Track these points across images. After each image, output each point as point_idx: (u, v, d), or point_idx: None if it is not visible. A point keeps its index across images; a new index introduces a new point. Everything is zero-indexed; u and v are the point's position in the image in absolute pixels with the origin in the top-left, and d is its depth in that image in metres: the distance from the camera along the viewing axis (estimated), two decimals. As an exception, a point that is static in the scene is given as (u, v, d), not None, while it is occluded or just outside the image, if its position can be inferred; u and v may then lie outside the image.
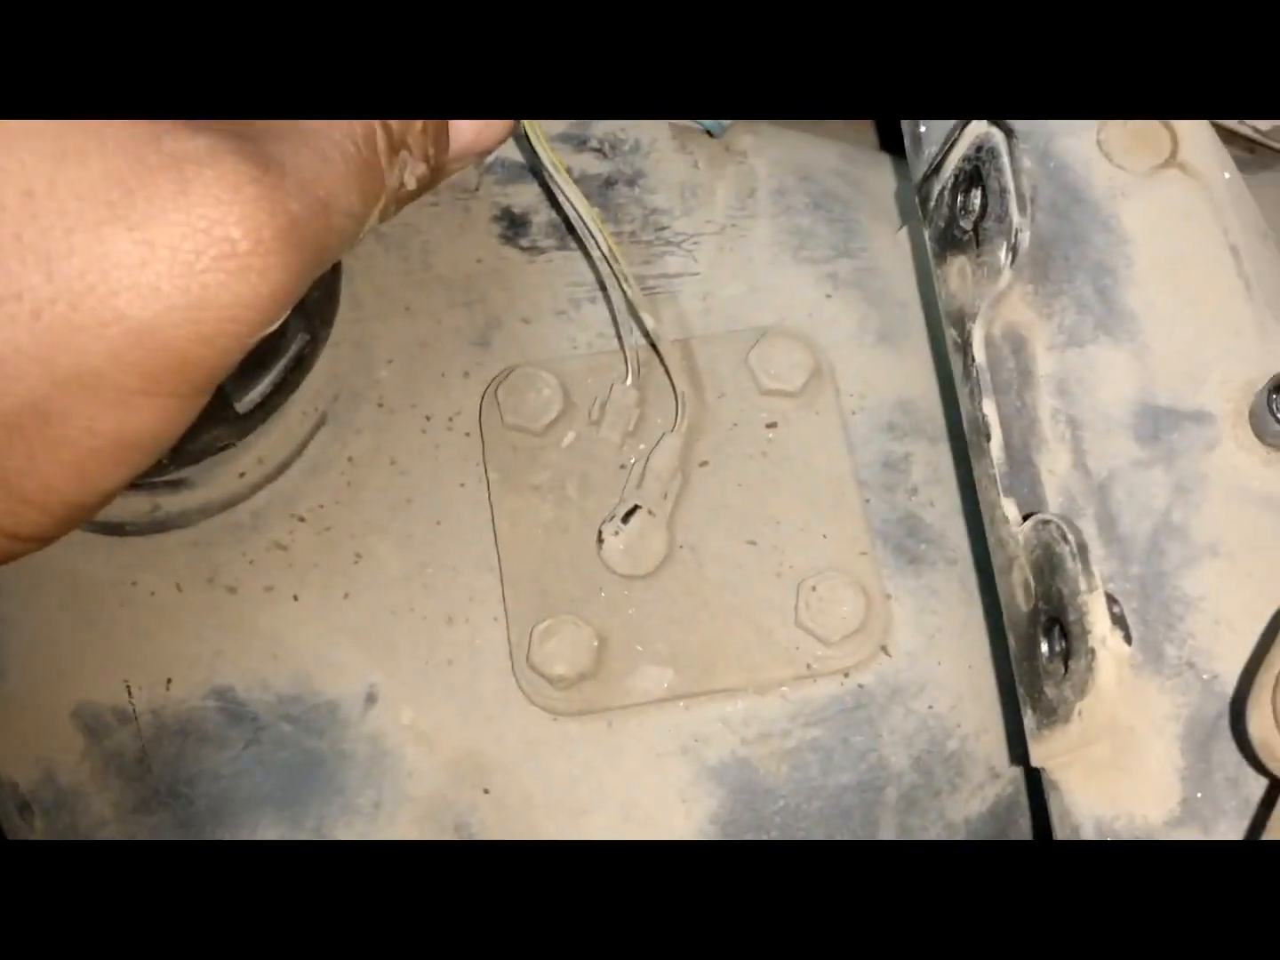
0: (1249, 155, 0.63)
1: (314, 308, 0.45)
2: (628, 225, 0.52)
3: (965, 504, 0.49)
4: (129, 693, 0.47)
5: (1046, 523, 0.41)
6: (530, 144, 0.44)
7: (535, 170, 0.52)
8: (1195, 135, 0.47)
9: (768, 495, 0.48)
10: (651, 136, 0.54)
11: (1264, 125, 0.60)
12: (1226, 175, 0.47)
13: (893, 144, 0.64)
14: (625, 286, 0.47)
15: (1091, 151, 0.47)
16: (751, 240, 0.52)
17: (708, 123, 0.52)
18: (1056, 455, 0.45)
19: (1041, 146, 0.47)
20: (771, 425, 0.49)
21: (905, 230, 0.53)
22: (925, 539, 0.48)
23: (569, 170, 0.53)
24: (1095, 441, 0.44)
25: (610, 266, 0.47)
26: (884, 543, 0.48)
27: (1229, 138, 0.61)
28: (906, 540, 0.48)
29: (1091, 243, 0.46)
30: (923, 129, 0.50)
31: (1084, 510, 0.43)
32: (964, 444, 0.47)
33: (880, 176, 0.56)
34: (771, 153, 0.54)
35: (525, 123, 0.42)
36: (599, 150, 0.54)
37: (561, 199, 0.46)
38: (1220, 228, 0.46)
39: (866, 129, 0.64)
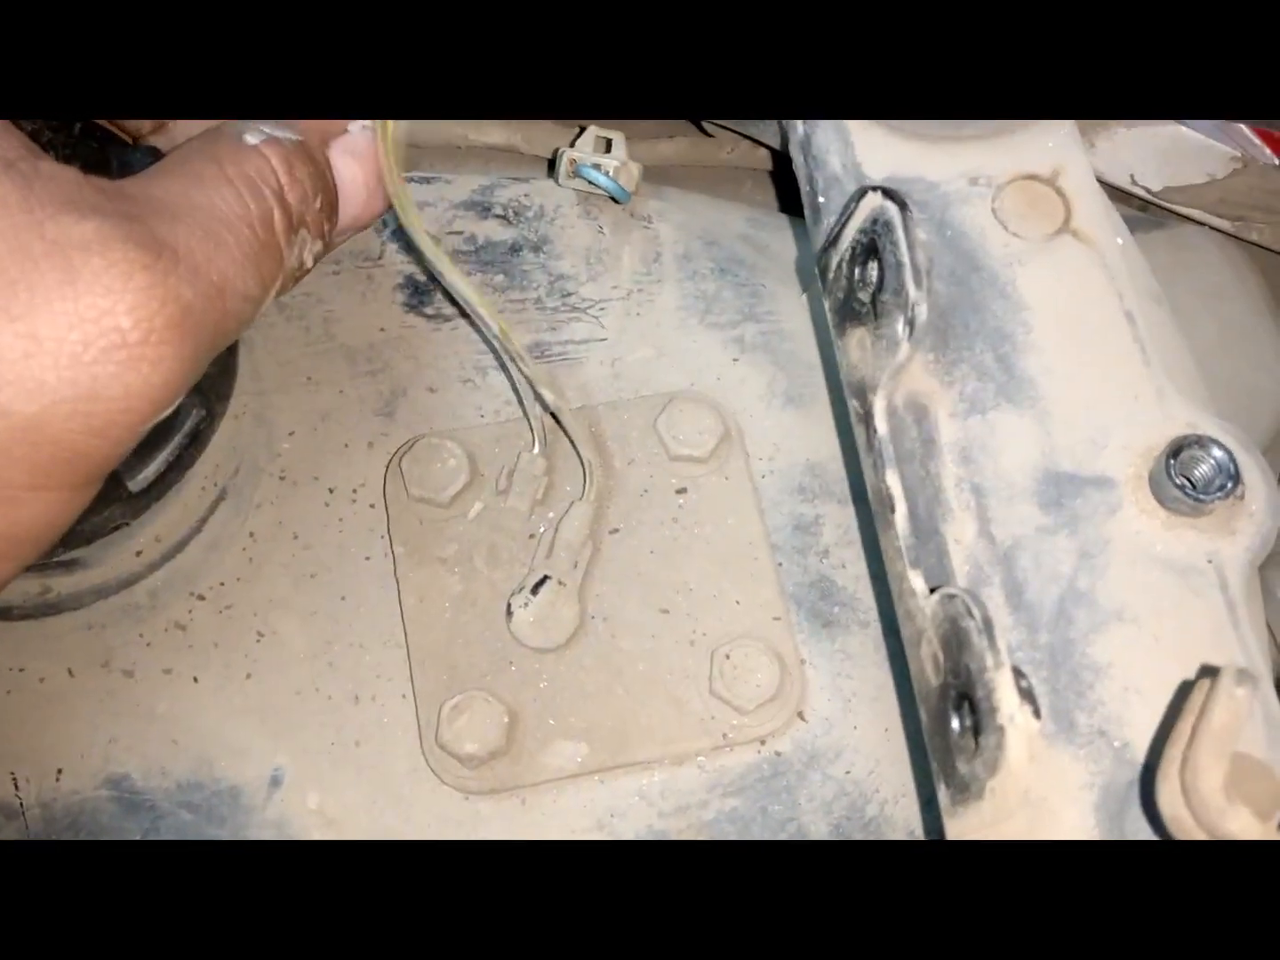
0: (1142, 214, 0.65)
1: (209, 384, 0.43)
2: (533, 291, 0.52)
3: (874, 566, 0.49)
4: (15, 785, 0.45)
5: (952, 597, 0.41)
6: (424, 248, 0.41)
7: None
8: (1088, 203, 0.48)
9: (680, 562, 0.47)
10: (556, 203, 0.54)
11: (1155, 185, 0.62)
12: (1120, 241, 0.47)
13: (793, 206, 0.64)
14: (521, 365, 0.46)
15: (987, 220, 0.48)
16: (658, 305, 0.52)
17: (613, 189, 0.52)
18: (962, 524, 0.45)
19: (938, 216, 0.47)
20: (681, 491, 0.48)
21: (808, 295, 0.54)
22: (838, 602, 0.48)
23: (472, 238, 0.53)
24: (999, 509, 0.45)
25: (502, 345, 0.45)
26: (797, 606, 0.48)
27: (1122, 197, 0.63)
28: (820, 604, 0.48)
29: (990, 310, 0.47)
30: (821, 199, 0.50)
31: (991, 578, 0.43)
32: (870, 507, 0.47)
33: (785, 240, 0.57)
34: (677, 218, 0.54)
35: (397, 207, 0.41)
36: (503, 217, 0.53)
37: (445, 282, 0.43)
38: (1115, 293, 0.46)
39: (771, 192, 0.65)
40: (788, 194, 0.64)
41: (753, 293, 0.53)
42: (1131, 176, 0.61)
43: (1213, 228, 0.64)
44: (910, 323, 0.42)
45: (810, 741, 0.47)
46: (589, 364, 0.51)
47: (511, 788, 0.45)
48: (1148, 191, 0.62)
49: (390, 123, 0.42)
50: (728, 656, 0.45)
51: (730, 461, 0.49)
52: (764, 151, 0.63)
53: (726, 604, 0.47)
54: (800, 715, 0.47)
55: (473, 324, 0.51)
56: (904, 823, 0.47)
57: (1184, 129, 0.59)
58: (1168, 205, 0.63)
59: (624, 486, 0.48)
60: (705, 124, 0.63)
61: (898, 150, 0.49)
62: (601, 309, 0.52)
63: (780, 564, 0.48)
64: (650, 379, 0.51)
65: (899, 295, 0.42)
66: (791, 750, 0.46)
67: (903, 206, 0.43)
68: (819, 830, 0.46)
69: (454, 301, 0.51)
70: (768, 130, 0.56)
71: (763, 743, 0.46)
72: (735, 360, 0.51)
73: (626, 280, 0.52)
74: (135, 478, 0.42)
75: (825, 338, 0.51)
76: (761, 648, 0.46)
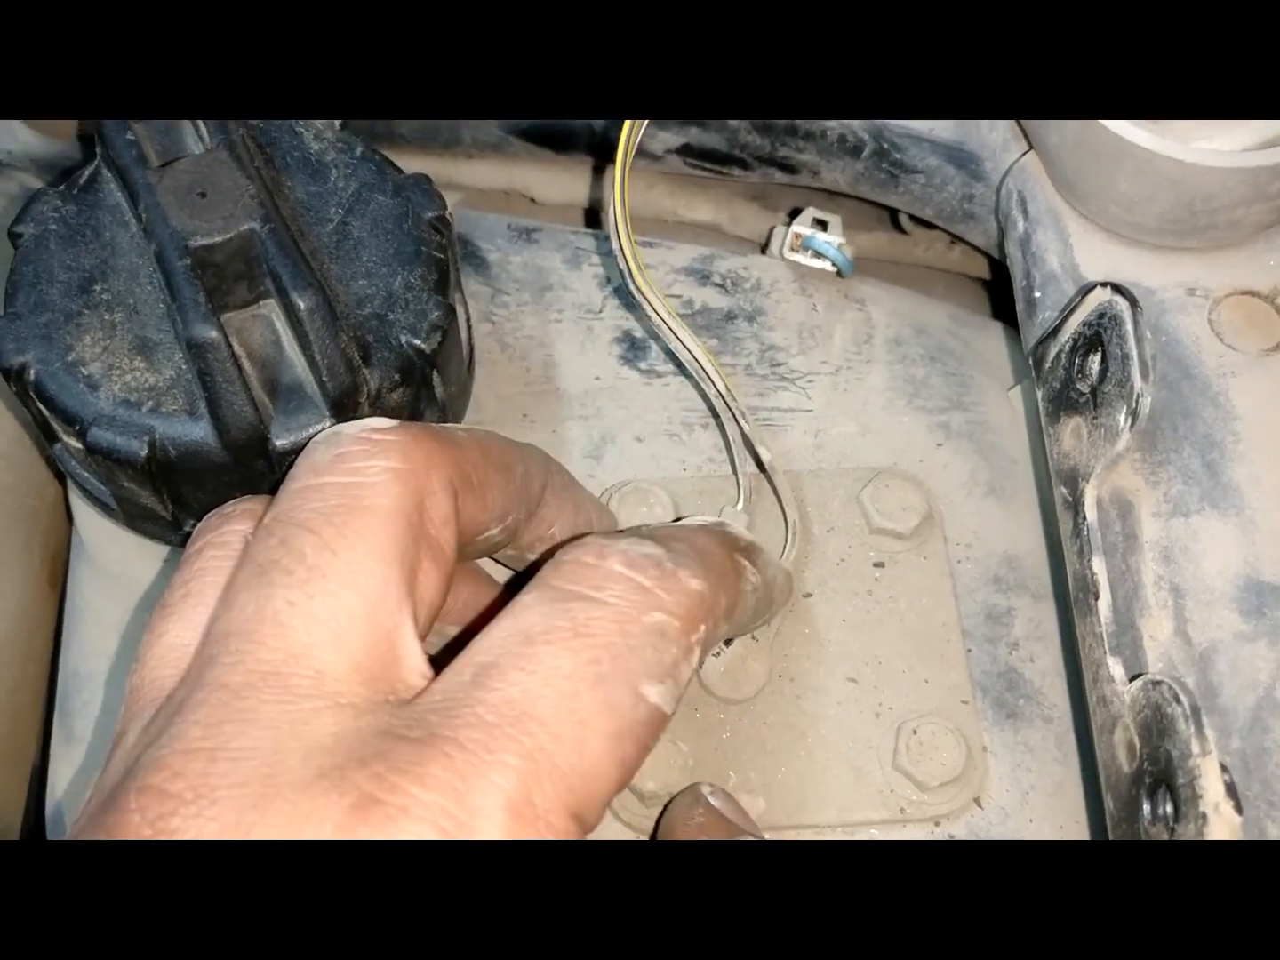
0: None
1: (451, 404, 0.46)
2: (744, 358, 0.54)
3: (1068, 663, 0.49)
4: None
5: (1158, 683, 0.41)
6: (652, 306, 0.46)
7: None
8: (1309, 324, 0.49)
9: (871, 634, 0.48)
10: (773, 278, 0.56)
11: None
12: (1337, 366, 0.48)
13: (988, 308, 0.66)
14: (741, 421, 0.48)
15: (1202, 329, 0.49)
16: (866, 384, 0.54)
17: (840, 260, 0.54)
18: (1159, 621, 0.45)
19: (1152, 320, 0.48)
20: (879, 565, 0.49)
21: (1016, 390, 0.55)
22: (1024, 694, 0.48)
23: (689, 302, 0.55)
24: (1197, 611, 0.45)
25: (726, 403, 0.48)
26: (983, 694, 0.48)
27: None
28: (1006, 694, 0.48)
29: (1200, 417, 0.47)
30: (1037, 294, 0.51)
31: (1184, 678, 0.43)
32: (1067, 603, 0.47)
33: (987, 339, 0.58)
34: (889, 303, 0.56)
35: (635, 290, 0.45)
36: (721, 285, 0.56)
37: (675, 344, 0.47)
38: (1330, 414, 0.47)
39: (979, 297, 0.66)
40: (982, 296, 0.66)
41: (961, 382, 0.54)
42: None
43: None
44: (1133, 414, 0.43)
45: (985, 830, 0.46)
46: (793, 432, 0.52)
47: (685, 834, 0.45)
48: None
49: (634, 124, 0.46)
50: (914, 731, 0.46)
51: (930, 542, 0.49)
52: (957, 253, 0.65)
53: (915, 681, 0.47)
54: (977, 802, 0.46)
55: (685, 382, 0.53)
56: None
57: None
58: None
59: (821, 553, 0.49)
60: (901, 220, 0.65)
61: (1116, 254, 0.50)
62: (809, 381, 0.53)
63: (969, 650, 0.48)
64: (852, 453, 0.52)
65: (1123, 387, 0.43)
66: (965, 835, 0.46)
67: (1133, 302, 0.44)
68: (984, 921, 0.45)
69: (670, 359, 0.53)
70: (974, 229, 0.57)
71: (937, 824, 0.46)
72: (939, 445, 0.52)
73: (836, 357, 0.54)
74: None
75: (1039, 432, 0.52)
76: (949, 727, 0.46)
